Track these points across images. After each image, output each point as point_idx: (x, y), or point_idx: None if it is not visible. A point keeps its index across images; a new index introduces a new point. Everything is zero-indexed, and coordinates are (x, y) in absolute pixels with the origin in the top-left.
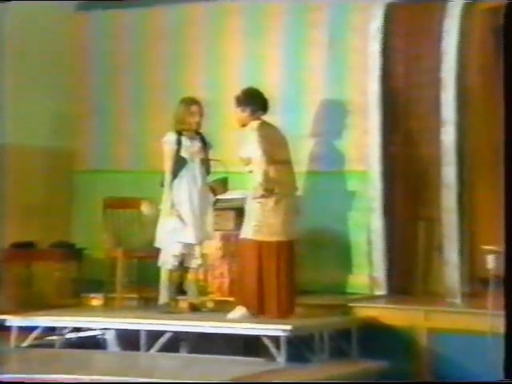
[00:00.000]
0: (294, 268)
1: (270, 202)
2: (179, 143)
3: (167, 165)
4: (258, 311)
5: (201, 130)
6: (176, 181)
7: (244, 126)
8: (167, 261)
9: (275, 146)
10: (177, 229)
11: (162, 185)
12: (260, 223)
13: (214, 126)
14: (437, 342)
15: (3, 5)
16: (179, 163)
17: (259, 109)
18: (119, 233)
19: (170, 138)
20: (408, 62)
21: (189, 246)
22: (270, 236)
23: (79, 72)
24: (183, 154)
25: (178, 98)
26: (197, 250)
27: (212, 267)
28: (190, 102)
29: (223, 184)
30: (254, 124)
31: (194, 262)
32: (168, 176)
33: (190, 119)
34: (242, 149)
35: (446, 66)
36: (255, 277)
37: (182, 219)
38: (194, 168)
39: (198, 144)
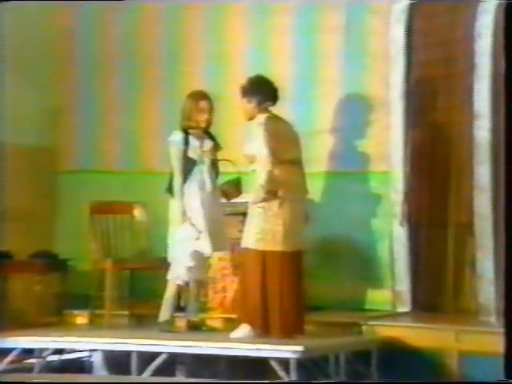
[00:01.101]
0: (301, 282)
1: (274, 206)
2: (187, 143)
3: (175, 167)
4: (263, 330)
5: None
6: (185, 185)
7: (251, 118)
8: (179, 274)
9: (284, 144)
10: (191, 238)
11: (169, 190)
12: (262, 230)
13: (218, 122)
14: (469, 367)
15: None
16: (188, 165)
17: (267, 99)
18: (108, 241)
19: (176, 137)
20: (436, 48)
21: (202, 257)
22: (273, 245)
23: (63, 61)
24: (191, 154)
25: (176, 91)
26: (207, 262)
27: (213, 280)
28: (199, 96)
29: (236, 186)
30: (262, 117)
31: (203, 275)
32: (178, 179)
33: (198, 116)
34: (246, 145)
35: (480, 52)
36: (258, 291)
37: (195, 227)
38: (203, 170)
39: (208, 143)
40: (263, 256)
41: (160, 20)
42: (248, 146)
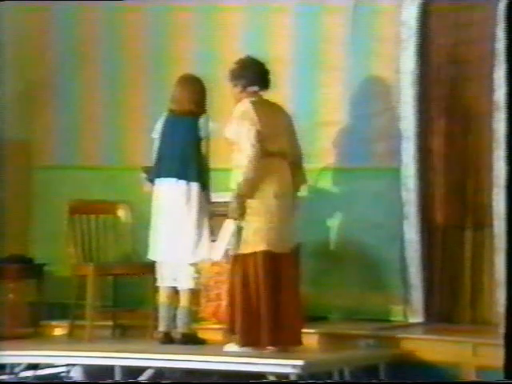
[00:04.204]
0: (297, 285)
1: (254, 202)
2: None
3: None
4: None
5: None
6: None
7: None
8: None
9: (269, 134)
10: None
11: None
12: (244, 231)
13: (210, 111)
14: None
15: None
16: None
17: (252, 83)
18: (89, 244)
19: None
20: (454, 31)
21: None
22: (256, 245)
23: (38, 45)
24: None
25: (163, 78)
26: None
27: (206, 288)
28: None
29: None
30: (245, 103)
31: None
32: None
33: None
34: (228, 127)
35: (502, 36)
36: (239, 298)
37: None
38: None
39: None
40: (244, 260)
41: (146, 2)
42: (229, 128)
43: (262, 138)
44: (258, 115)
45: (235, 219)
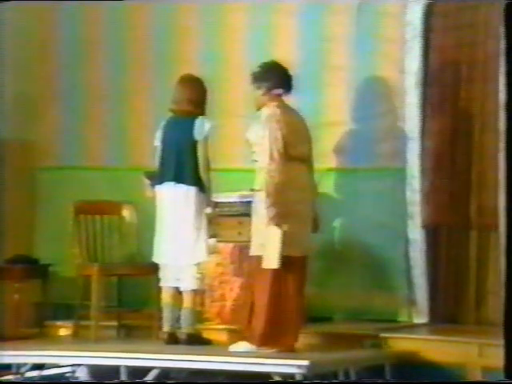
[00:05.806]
0: (303, 289)
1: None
2: None
3: None
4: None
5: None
6: None
7: (260, 107)
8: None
9: (292, 138)
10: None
11: None
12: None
13: (214, 112)
14: None
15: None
16: None
17: (277, 86)
18: (94, 245)
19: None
20: (459, 32)
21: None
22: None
23: (42, 45)
24: None
25: (168, 79)
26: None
27: (210, 288)
28: None
29: None
30: (270, 107)
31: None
32: None
33: None
34: (251, 130)
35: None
36: (266, 301)
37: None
38: None
39: None
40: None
41: (151, 3)
42: (251, 130)
43: (285, 142)
44: (284, 119)
45: (279, 225)
